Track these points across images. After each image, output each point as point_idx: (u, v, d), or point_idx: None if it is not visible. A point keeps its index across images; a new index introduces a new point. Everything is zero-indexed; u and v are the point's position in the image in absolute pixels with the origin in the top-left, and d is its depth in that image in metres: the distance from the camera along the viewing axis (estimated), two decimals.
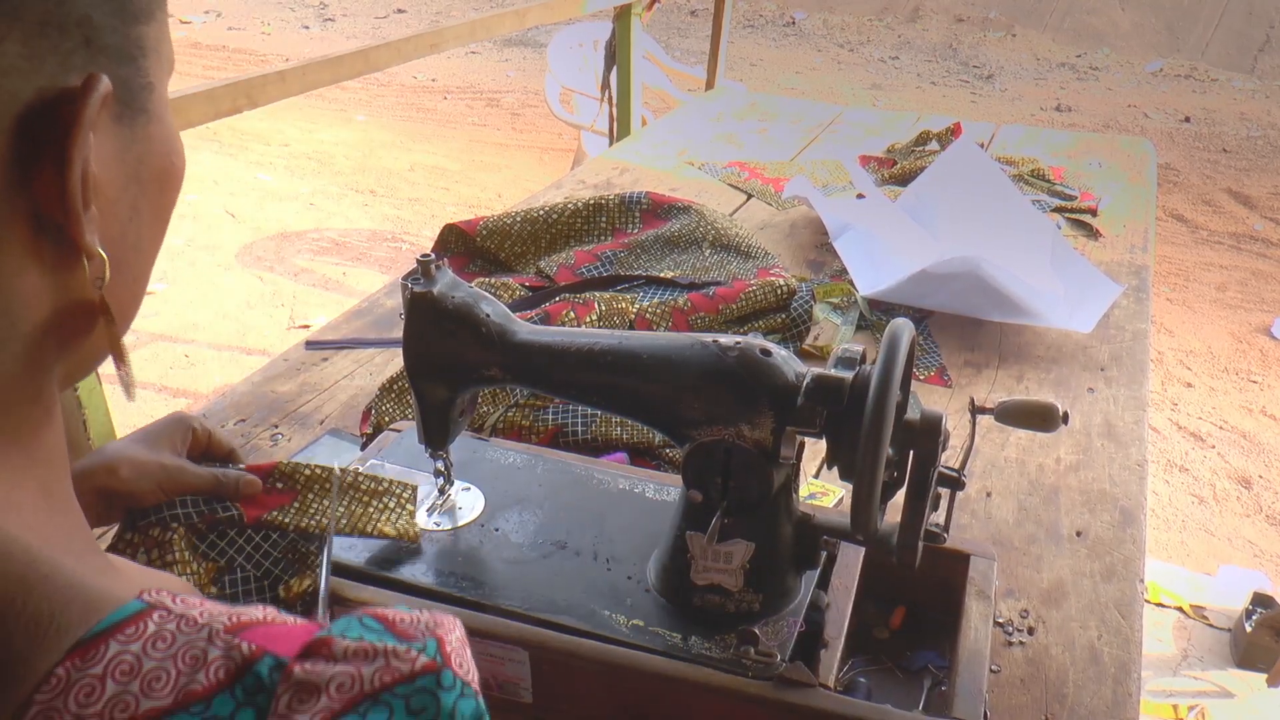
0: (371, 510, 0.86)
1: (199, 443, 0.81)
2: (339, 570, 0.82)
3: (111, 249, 0.38)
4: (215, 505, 0.79)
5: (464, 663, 0.37)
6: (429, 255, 0.82)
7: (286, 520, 0.81)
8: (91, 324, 0.39)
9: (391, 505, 0.87)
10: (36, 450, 0.39)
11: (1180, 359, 3.42)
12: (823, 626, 0.79)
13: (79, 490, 0.44)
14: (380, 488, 0.87)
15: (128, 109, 0.38)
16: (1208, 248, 4.36)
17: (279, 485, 0.82)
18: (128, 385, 0.41)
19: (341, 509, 0.84)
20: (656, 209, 1.69)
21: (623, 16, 2.83)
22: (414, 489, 0.89)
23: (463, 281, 0.84)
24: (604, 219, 1.67)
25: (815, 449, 1.12)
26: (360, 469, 0.89)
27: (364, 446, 1.12)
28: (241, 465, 0.82)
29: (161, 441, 0.78)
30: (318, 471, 0.83)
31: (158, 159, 0.41)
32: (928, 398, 1.30)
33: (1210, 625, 2.22)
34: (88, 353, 0.41)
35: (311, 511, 0.82)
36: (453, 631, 0.38)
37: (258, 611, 0.37)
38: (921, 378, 1.35)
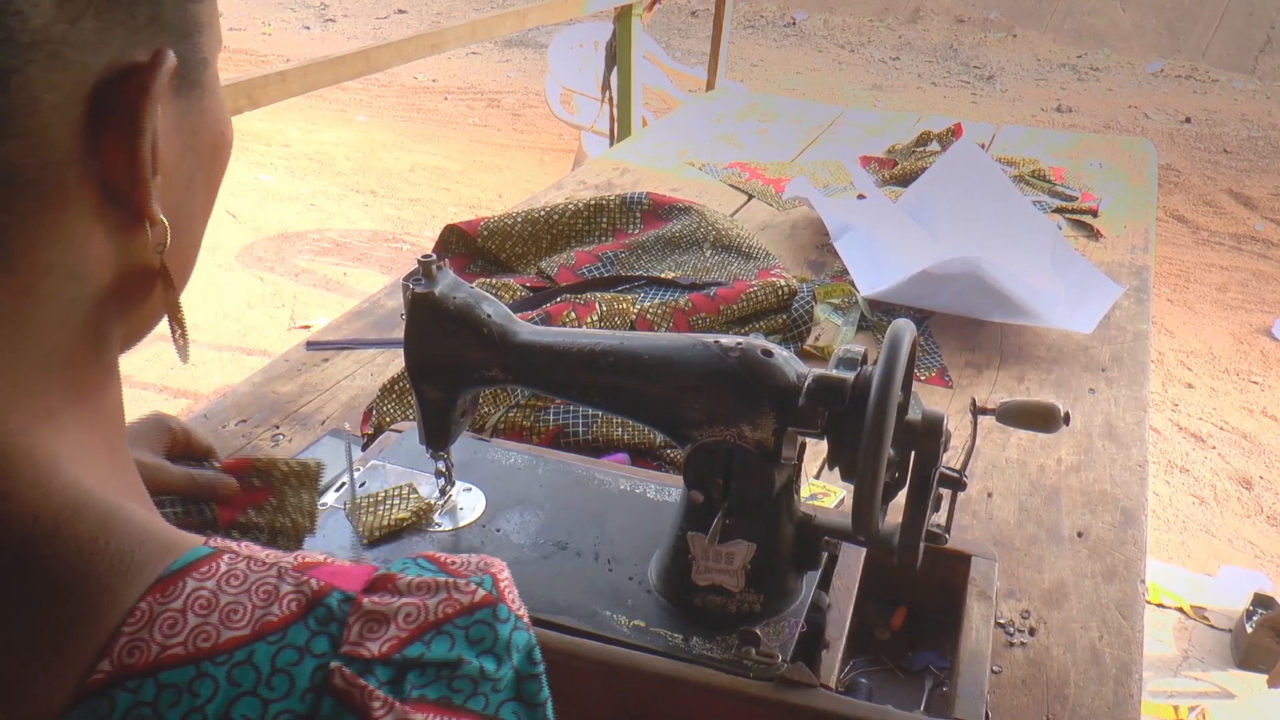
0: (381, 511, 0.89)
1: (177, 442, 0.80)
2: None
3: (170, 217, 0.40)
4: (191, 506, 0.78)
5: (515, 599, 0.39)
6: (430, 256, 0.81)
7: (261, 521, 0.80)
8: (150, 288, 0.41)
9: (396, 500, 0.90)
10: (100, 408, 0.41)
11: (1181, 360, 3.42)
12: (824, 627, 0.79)
13: None
14: (379, 496, 0.91)
15: (184, 82, 0.40)
16: (1208, 248, 4.36)
17: (256, 482, 0.80)
18: (183, 349, 0.43)
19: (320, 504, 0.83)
20: (657, 209, 1.69)
21: (623, 17, 2.83)
22: (410, 485, 0.93)
23: (464, 282, 0.84)
24: (605, 219, 1.67)
25: (816, 450, 1.12)
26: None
27: (365, 447, 1.12)
28: (218, 464, 0.81)
29: (139, 441, 0.77)
30: (295, 467, 0.82)
31: (210, 130, 0.43)
32: (929, 398, 1.30)
33: (1211, 626, 2.22)
34: (145, 316, 0.43)
35: (290, 509, 0.81)
36: (503, 571, 0.40)
37: (318, 555, 0.39)
38: (922, 378, 1.35)
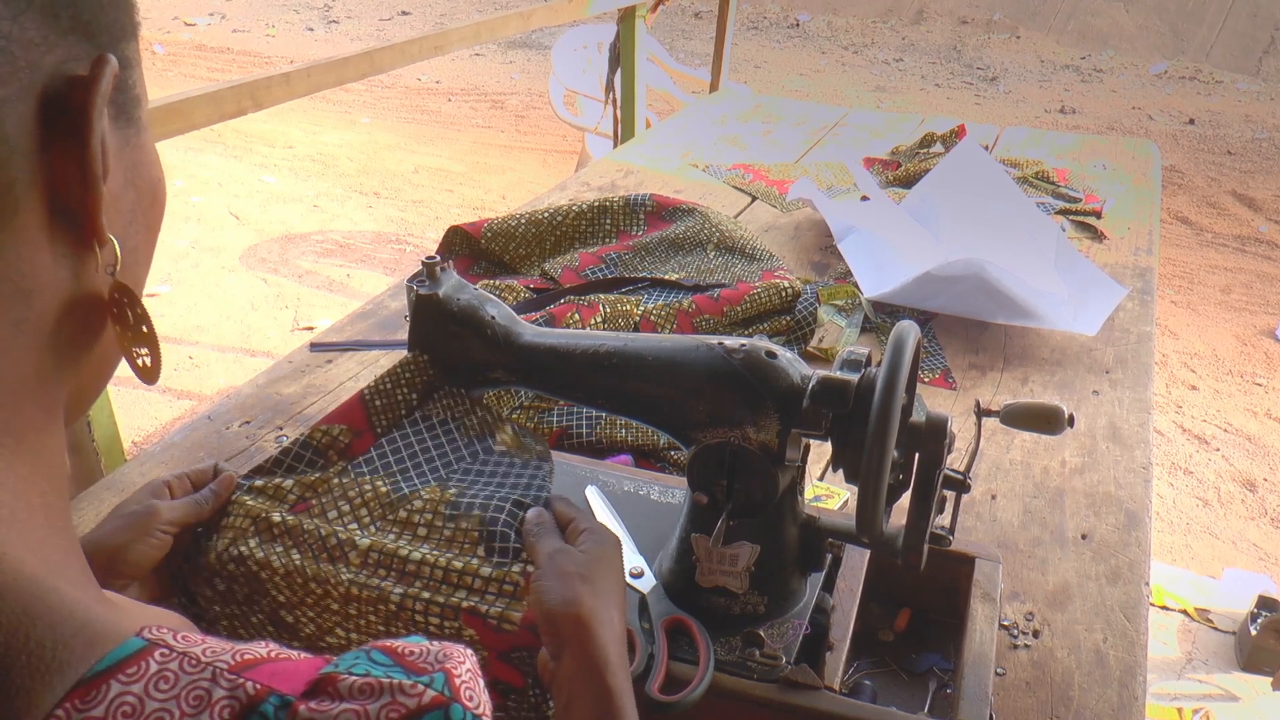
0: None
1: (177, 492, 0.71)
2: None
3: (117, 241, 0.39)
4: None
5: (474, 695, 0.36)
6: (434, 257, 0.82)
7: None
8: (100, 326, 0.40)
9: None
10: (40, 460, 0.38)
11: (1185, 361, 3.42)
12: (828, 629, 0.79)
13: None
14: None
15: (123, 113, 0.39)
16: (1212, 250, 4.35)
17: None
18: (149, 370, 0.42)
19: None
20: (661, 211, 1.69)
21: (627, 19, 2.84)
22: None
23: (468, 283, 0.84)
24: (608, 221, 1.67)
25: (820, 451, 1.12)
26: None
27: None
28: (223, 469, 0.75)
29: (129, 529, 0.66)
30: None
31: (149, 170, 0.42)
32: (932, 400, 1.30)
33: (1215, 628, 2.22)
34: (95, 364, 0.41)
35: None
36: (463, 663, 0.37)
37: (261, 648, 0.36)
38: (926, 380, 1.35)
